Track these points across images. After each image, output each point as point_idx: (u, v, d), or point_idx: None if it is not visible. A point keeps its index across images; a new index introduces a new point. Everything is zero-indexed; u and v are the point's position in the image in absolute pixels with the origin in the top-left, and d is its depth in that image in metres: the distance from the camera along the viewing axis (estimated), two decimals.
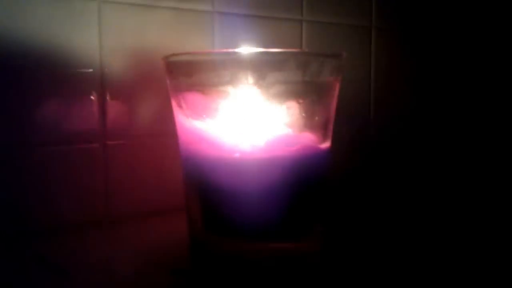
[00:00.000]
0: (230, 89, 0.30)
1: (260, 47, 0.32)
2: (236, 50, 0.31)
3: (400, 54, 0.62)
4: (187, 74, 0.32)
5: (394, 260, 0.32)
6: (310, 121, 0.31)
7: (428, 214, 0.42)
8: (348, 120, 0.54)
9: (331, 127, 0.33)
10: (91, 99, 0.39)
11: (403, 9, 0.61)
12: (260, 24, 0.48)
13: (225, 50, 0.37)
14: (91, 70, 0.39)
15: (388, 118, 0.61)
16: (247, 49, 0.30)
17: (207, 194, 0.31)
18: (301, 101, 0.31)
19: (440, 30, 0.65)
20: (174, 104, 0.33)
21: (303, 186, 0.31)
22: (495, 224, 0.39)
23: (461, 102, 0.66)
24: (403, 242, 0.35)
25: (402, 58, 0.62)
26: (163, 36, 0.42)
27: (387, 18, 0.60)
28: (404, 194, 0.49)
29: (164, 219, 0.40)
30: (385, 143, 0.61)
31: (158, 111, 0.42)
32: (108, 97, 0.40)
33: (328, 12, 0.54)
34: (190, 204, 0.33)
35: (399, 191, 0.51)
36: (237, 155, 0.30)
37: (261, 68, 0.30)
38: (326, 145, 0.33)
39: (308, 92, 0.31)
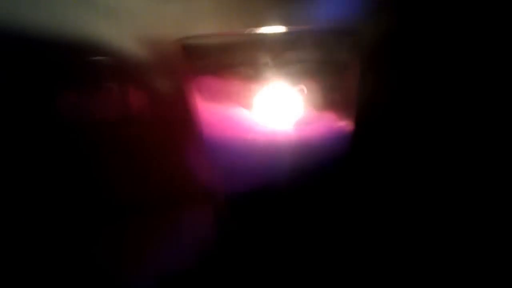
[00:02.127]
0: (248, 70, 0.29)
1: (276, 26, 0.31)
2: (253, 30, 0.30)
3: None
4: (204, 57, 0.32)
5: (398, 261, 0.31)
6: (330, 101, 0.31)
7: (439, 215, 0.41)
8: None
9: (353, 108, 0.32)
10: (108, 86, 0.39)
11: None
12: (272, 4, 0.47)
13: (241, 31, 0.36)
14: (106, 57, 0.39)
15: (397, 116, 0.60)
16: (264, 29, 0.29)
17: (229, 177, 0.31)
18: (320, 80, 0.30)
19: (440, 29, 0.62)
20: (191, 88, 0.32)
21: (324, 168, 0.30)
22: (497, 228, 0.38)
23: (469, 100, 0.64)
24: (410, 242, 0.34)
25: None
26: (178, 19, 0.42)
27: None
28: (414, 194, 0.48)
29: (189, 205, 0.40)
30: (395, 142, 0.59)
31: (176, 96, 0.42)
32: (125, 84, 0.40)
33: None
34: (214, 189, 0.32)
35: (409, 191, 0.50)
36: (258, 136, 0.29)
37: (279, 47, 0.29)
38: (348, 126, 0.32)
39: (326, 71, 0.30)
